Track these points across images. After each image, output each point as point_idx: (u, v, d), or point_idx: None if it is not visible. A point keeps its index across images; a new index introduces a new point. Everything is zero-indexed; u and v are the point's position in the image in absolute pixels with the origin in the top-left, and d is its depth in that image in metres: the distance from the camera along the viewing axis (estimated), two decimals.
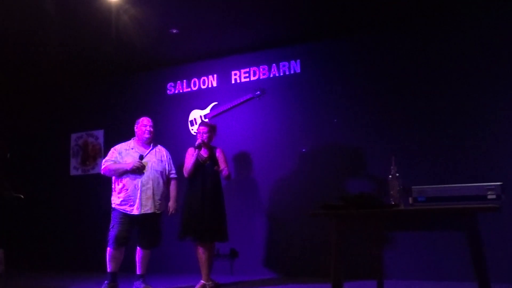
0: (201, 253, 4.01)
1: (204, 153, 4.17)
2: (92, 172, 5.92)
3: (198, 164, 4.09)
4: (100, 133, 5.96)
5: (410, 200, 2.28)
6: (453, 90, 4.33)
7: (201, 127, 4.18)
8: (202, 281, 3.99)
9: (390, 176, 2.26)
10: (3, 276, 5.04)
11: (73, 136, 6.12)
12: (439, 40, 4.45)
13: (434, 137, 4.33)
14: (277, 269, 4.78)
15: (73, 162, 6.07)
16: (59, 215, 5.98)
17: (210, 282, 4.04)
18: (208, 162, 4.09)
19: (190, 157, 4.14)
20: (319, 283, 4.15)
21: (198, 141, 4.11)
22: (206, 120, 5.24)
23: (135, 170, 3.96)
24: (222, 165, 4.11)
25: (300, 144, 4.85)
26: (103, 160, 4.11)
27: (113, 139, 5.58)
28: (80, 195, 5.91)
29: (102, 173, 4.10)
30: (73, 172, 6.06)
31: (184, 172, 4.14)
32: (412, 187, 2.27)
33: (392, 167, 2.27)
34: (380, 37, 4.70)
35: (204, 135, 4.14)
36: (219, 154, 4.18)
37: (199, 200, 4.04)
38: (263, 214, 4.92)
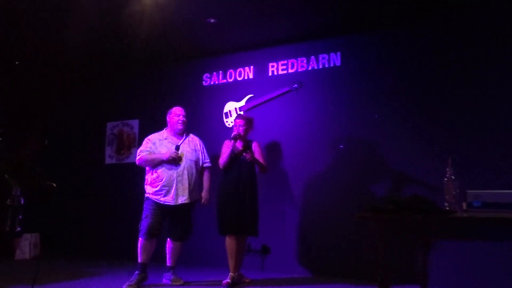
0: (233, 246, 3.92)
1: (239, 145, 4.07)
2: (126, 161, 5.95)
3: (233, 156, 4.02)
4: (135, 123, 5.98)
5: (464, 205, 2.08)
6: None
7: (237, 120, 4.13)
8: (231, 273, 3.90)
9: (445, 179, 2.06)
10: (39, 260, 5.11)
11: (109, 125, 6.16)
12: (497, 27, 4.12)
13: (492, 136, 4.01)
14: (310, 268, 4.65)
15: (108, 151, 6.11)
16: (93, 202, 6.05)
17: (237, 274, 3.95)
18: (243, 154, 4.00)
19: (226, 149, 4.07)
20: (355, 285, 3.98)
21: (234, 133, 4.05)
22: (241, 112, 5.14)
23: (170, 161, 3.92)
24: (258, 157, 4.02)
25: (337, 140, 4.69)
26: (138, 151, 4.09)
27: (148, 129, 5.59)
28: (114, 184, 5.95)
29: (137, 163, 4.08)
30: (108, 160, 6.10)
31: (220, 164, 4.08)
32: (467, 191, 2.08)
33: (447, 169, 2.06)
34: (428, 27, 4.43)
35: (240, 128, 4.08)
36: (255, 148, 4.11)
37: (235, 193, 3.97)
38: (296, 210, 4.80)
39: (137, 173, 5.57)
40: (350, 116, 4.67)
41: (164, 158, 3.93)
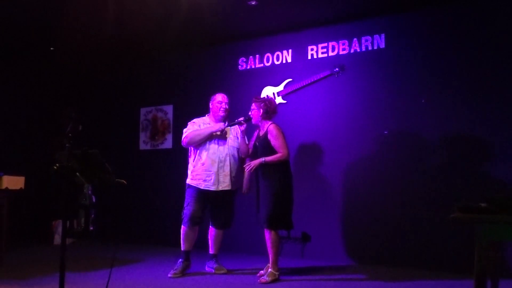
0: (277, 239, 3.74)
1: (261, 131, 3.84)
2: (161, 147, 5.88)
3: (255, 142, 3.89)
4: (169, 108, 5.88)
5: None
6: None
7: (253, 104, 3.90)
8: (271, 270, 3.70)
9: None
10: (112, 244, 5.00)
11: (143, 110, 6.08)
12: None
13: None
14: (352, 255, 4.53)
15: (142, 136, 6.05)
16: (129, 188, 5.96)
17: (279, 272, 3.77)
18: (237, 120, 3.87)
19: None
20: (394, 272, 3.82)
21: (241, 118, 3.87)
22: (277, 95, 5.01)
23: (219, 135, 3.88)
24: (273, 142, 3.70)
25: (382, 126, 4.51)
26: (184, 131, 4.00)
27: (182, 115, 5.58)
28: (150, 170, 5.89)
29: (184, 143, 3.96)
30: (142, 146, 6.04)
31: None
32: None
33: None
34: (480, 5, 4.16)
35: (252, 111, 3.86)
36: (271, 130, 3.74)
37: (292, 185, 3.81)
38: (337, 197, 4.68)
39: (172, 159, 5.54)
40: (396, 101, 4.48)
41: (215, 130, 3.88)
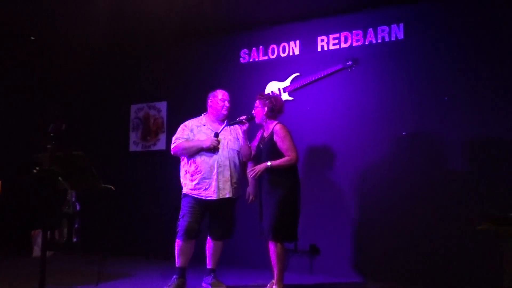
0: (283, 252, 3.73)
1: (265, 132, 3.85)
2: (153, 148, 5.90)
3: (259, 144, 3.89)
4: (163, 105, 5.89)
5: None
6: None
7: (256, 100, 3.92)
8: (276, 287, 3.69)
9: None
10: (99, 259, 5.03)
11: (133, 107, 6.10)
12: None
13: None
14: (364, 271, 4.51)
15: (133, 137, 6.06)
16: (118, 193, 5.96)
17: None
18: (239, 118, 3.88)
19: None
20: None
21: (243, 117, 3.87)
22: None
23: (210, 149, 3.84)
24: (280, 144, 3.69)
25: (399, 126, 4.50)
26: (173, 138, 4.01)
27: (177, 113, 5.60)
28: (141, 174, 5.90)
29: (172, 152, 3.99)
30: (132, 147, 6.06)
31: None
32: None
33: None
34: None
35: (255, 109, 3.87)
36: (277, 131, 3.73)
37: (299, 193, 3.79)
38: (349, 206, 4.67)
39: (166, 162, 5.53)
40: (415, 99, 4.47)
41: (205, 146, 3.84)
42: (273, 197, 3.67)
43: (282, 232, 3.65)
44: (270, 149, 3.72)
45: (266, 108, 3.80)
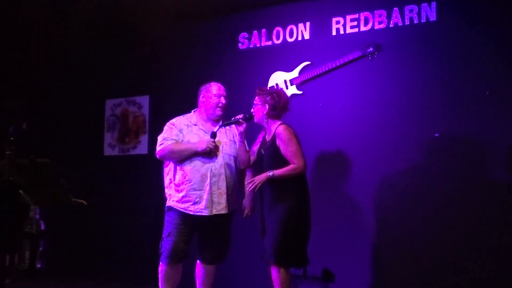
0: (288, 278, 3.71)
1: (267, 135, 3.86)
2: (133, 152, 5.92)
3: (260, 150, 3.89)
4: (144, 100, 5.92)
5: None
6: None
7: (255, 96, 3.92)
8: None
9: None
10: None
11: (108, 102, 6.12)
12: None
13: None
14: None
15: (108, 138, 6.08)
16: (90, 207, 5.94)
17: None
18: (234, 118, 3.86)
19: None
20: None
21: (240, 116, 3.84)
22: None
23: (206, 153, 3.82)
24: (284, 149, 3.67)
25: (431, 127, 4.51)
26: (160, 138, 3.98)
27: (162, 109, 5.66)
28: (118, 183, 5.91)
29: (158, 155, 3.96)
30: (108, 151, 6.07)
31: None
32: None
33: None
34: None
35: (255, 107, 3.86)
36: (280, 133, 3.72)
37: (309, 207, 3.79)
38: (369, 223, 4.69)
39: (149, 168, 5.58)
40: (450, 94, 4.48)
41: (200, 149, 3.81)
42: (276, 213, 3.66)
43: (287, 255, 3.64)
44: (272, 155, 3.71)
45: (267, 106, 3.78)
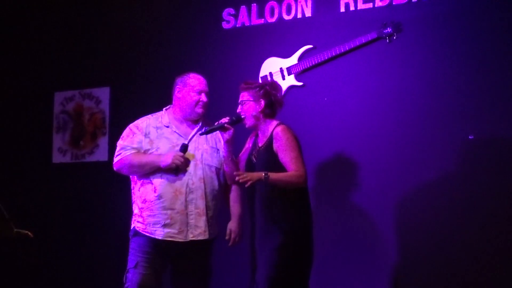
0: None
1: (259, 140, 3.97)
2: (89, 159, 5.96)
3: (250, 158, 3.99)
4: (104, 93, 5.96)
5: None
6: None
7: (241, 92, 4.00)
8: None
9: None
10: None
11: (58, 96, 6.16)
12: None
13: None
14: None
15: (58, 141, 6.12)
16: (37, 238, 5.98)
17: None
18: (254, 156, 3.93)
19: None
20: None
21: (225, 120, 3.89)
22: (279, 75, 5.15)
23: (172, 170, 3.90)
24: (282, 155, 3.77)
25: (464, 128, 4.59)
26: (118, 146, 4.09)
27: (126, 104, 5.71)
28: (71, 199, 5.96)
29: (115, 168, 4.09)
30: (57, 157, 6.11)
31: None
32: None
33: None
34: None
35: (242, 105, 3.94)
36: (278, 136, 3.82)
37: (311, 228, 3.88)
38: (386, 247, 4.78)
39: (110, 179, 5.52)
40: (487, 86, 4.56)
41: (162, 165, 3.87)
42: (271, 238, 3.72)
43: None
44: (266, 164, 3.77)
45: (263, 102, 3.87)
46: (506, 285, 4.34)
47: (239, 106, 3.94)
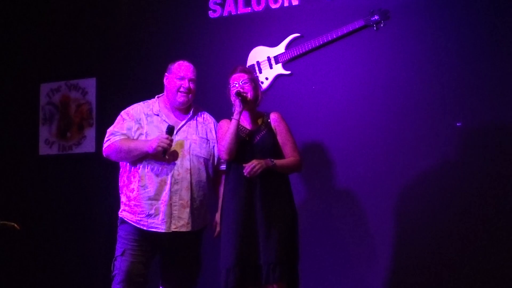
0: None
1: (246, 122, 3.97)
2: (77, 150, 5.93)
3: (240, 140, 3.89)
4: (90, 84, 5.93)
5: None
6: None
7: (237, 74, 3.98)
8: None
9: None
10: None
11: (44, 87, 6.12)
12: None
13: None
14: None
15: (44, 133, 6.08)
16: (24, 231, 5.96)
17: None
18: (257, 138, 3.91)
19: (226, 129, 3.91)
20: None
21: (237, 88, 3.88)
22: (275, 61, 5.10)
23: (159, 154, 3.84)
24: (284, 139, 3.88)
25: (452, 114, 4.60)
26: (108, 132, 4.07)
27: (113, 95, 5.68)
28: (57, 189, 5.93)
29: (105, 154, 4.07)
30: (44, 149, 6.08)
31: (220, 152, 3.95)
32: None
33: None
34: None
35: (245, 85, 3.93)
36: (276, 122, 3.93)
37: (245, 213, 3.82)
38: (379, 241, 4.76)
39: (98, 171, 5.61)
40: (476, 73, 4.56)
41: (149, 150, 3.83)
42: (279, 214, 3.76)
43: (294, 268, 3.80)
44: (272, 147, 3.86)
45: (261, 87, 4.05)
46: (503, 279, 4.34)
47: (242, 84, 3.90)
